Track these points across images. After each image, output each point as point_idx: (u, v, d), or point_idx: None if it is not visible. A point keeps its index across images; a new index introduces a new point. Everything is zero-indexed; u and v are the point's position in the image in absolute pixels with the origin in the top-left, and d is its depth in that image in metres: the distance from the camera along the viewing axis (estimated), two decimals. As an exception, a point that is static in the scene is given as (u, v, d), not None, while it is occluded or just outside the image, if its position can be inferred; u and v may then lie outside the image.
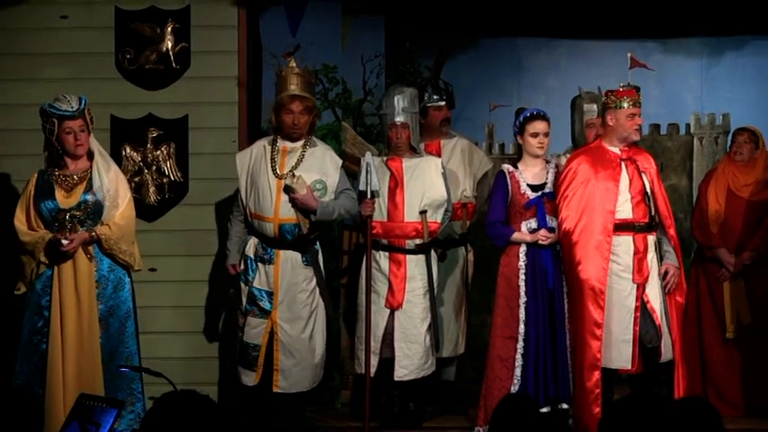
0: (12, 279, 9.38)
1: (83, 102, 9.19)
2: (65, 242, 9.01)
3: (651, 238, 9.57)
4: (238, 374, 9.62)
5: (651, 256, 9.57)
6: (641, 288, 9.51)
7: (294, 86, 9.63)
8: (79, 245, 9.10)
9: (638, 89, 9.71)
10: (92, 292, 9.19)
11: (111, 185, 9.26)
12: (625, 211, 9.51)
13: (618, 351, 9.51)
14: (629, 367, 9.54)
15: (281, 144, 9.66)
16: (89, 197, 9.20)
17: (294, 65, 9.70)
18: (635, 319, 9.47)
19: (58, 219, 9.13)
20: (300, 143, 9.67)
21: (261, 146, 9.70)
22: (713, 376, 10.35)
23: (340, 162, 9.81)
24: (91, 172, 9.25)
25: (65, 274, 9.13)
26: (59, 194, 9.17)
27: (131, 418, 8.83)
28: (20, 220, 9.13)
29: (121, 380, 9.16)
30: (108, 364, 9.15)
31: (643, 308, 9.53)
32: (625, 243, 9.51)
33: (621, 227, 9.51)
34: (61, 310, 9.10)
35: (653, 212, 9.56)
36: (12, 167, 9.93)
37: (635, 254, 9.51)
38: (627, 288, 9.52)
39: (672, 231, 9.61)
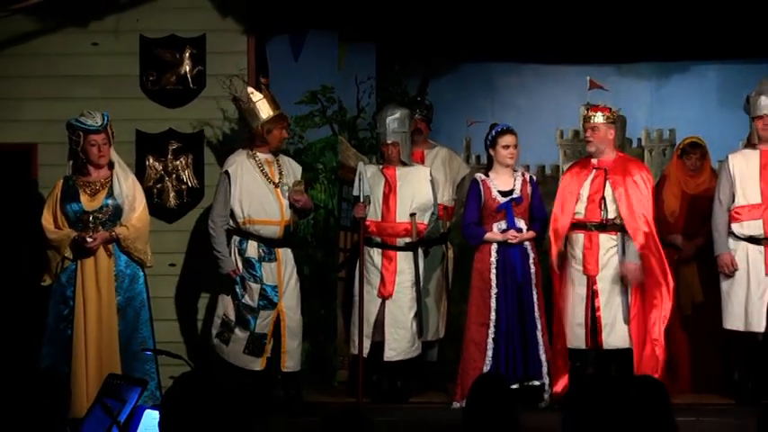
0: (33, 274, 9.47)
1: (106, 118, 9.28)
2: (89, 240, 9.10)
3: (604, 237, 9.66)
4: (241, 363, 9.53)
5: (604, 253, 9.65)
6: (592, 280, 9.63)
7: (276, 108, 9.71)
8: (101, 243, 9.18)
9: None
10: (111, 285, 9.26)
11: (130, 192, 9.37)
12: (581, 212, 9.67)
13: (573, 333, 9.71)
14: (584, 347, 9.66)
15: (263, 156, 9.65)
16: (110, 201, 9.31)
17: (265, 88, 9.77)
18: (585, 305, 9.60)
19: (82, 219, 9.21)
20: (274, 155, 9.71)
21: (242, 160, 9.65)
22: (671, 353, 10.26)
23: (300, 167, 9.93)
24: (111, 180, 9.33)
25: (87, 269, 9.22)
26: (84, 198, 9.26)
27: (146, 395, 8.76)
28: (47, 220, 9.19)
29: (137, 362, 9.23)
30: (126, 347, 9.23)
31: (593, 297, 9.64)
32: (579, 240, 9.70)
33: (577, 225, 9.71)
34: (84, 300, 9.16)
35: (610, 215, 9.61)
36: (49, 177, 9.77)
37: (585, 249, 9.64)
38: (579, 279, 9.69)
39: (639, 232, 9.61)
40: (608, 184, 9.64)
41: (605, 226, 9.64)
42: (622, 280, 9.63)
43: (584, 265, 9.67)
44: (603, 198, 9.64)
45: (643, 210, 9.64)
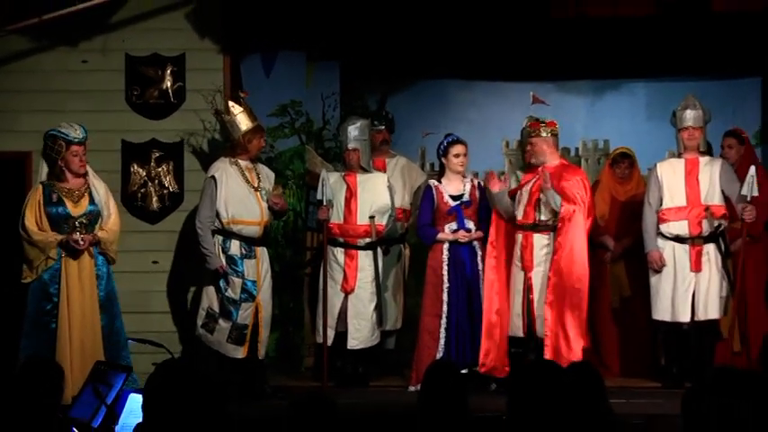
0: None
1: (86, 131, 9.25)
2: (81, 242, 9.06)
3: (537, 236, 9.72)
4: (225, 351, 9.52)
5: (538, 251, 9.71)
6: (528, 275, 9.68)
7: (255, 120, 9.78)
8: (89, 245, 9.15)
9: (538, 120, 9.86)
10: (93, 283, 9.26)
11: (104, 198, 9.38)
12: (519, 215, 9.73)
13: (514, 322, 9.76)
14: (522, 335, 9.71)
15: (244, 163, 9.68)
16: (92, 208, 9.29)
17: (244, 102, 9.80)
18: (522, 298, 9.67)
19: (68, 223, 9.17)
20: (252, 162, 9.74)
21: (225, 166, 9.65)
22: (599, 342, 10.30)
23: (273, 173, 9.98)
24: (89, 187, 9.31)
25: (71, 268, 9.20)
26: (69, 204, 9.20)
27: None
28: (31, 222, 9.12)
29: (117, 350, 9.24)
30: (109, 338, 9.24)
31: (528, 290, 9.69)
32: (518, 239, 9.77)
33: (518, 227, 9.78)
34: (68, 296, 9.14)
35: (542, 216, 9.71)
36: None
37: (522, 247, 9.73)
38: (518, 274, 9.76)
39: (570, 206, 9.66)
40: (549, 184, 9.65)
41: (538, 226, 9.70)
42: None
43: (522, 262, 9.72)
44: (538, 200, 9.70)
45: (578, 192, 9.67)
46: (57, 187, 9.20)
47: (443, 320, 9.66)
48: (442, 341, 9.63)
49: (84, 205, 9.25)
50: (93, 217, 9.28)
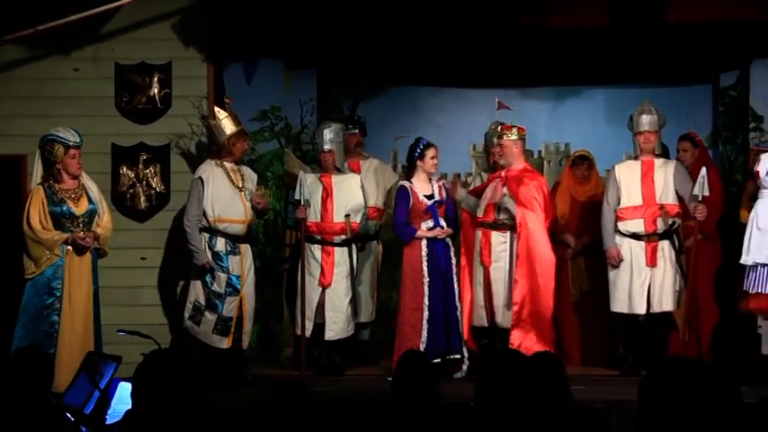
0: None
1: (81, 136, 9.21)
2: (88, 240, 9.06)
3: (495, 234, 9.78)
4: (211, 342, 9.53)
5: (495, 247, 9.78)
6: (488, 269, 9.75)
7: (239, 124, 9.79)
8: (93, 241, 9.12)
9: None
10: (90, 277, 9.24)
11: (98, 198, 9.35)
12: (480, 213, 9.84)
13: (478, 313, 9.82)
14: (486, 325, 9.78)
15: (229, 165, 9.67)
16: (92, 206, 9.26)
17: (229, 107, 9.82)
18: (483, 290, 9.75)
19: (72, 222, 9.12)
20: (236, 164, 9.74)
21: (212, 168, 9.64)
22: (560, 333, 10.32)
23: (255, 175, 9.99)
24: (84, 188, 9.27)
25: (73, 263, 9.16)
26: (71, 204, 9.15)
27: None
28: (36, 221, 9.03)
29: (100, 340, 9.29)
30: (97, 328, 9.27)
31: (488, 284, 9.75)
32: (479, 236, 9.84)
33: (478, 224, 9.87)
34: (70, 291, 9.10)
35: (501, 215, 9.79)
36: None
37: (482, 244, 9.80)
38: (478, 268, 9.83)
39: (524, 212, 9.74)
40: (505, 189, 9.74)
41: (496, 225, 9.76)
42: (510, 271, 9.74)
43: (481, 257, 9.77)
44: (497, 202, 9.75)
45: (531, 196, 9.72)
46: (56, 188, 9.14)
47: (425, 313, 9.63)
48: (424, 333, 9.60)
49: (85, 205, 9.22)
50: (92, 215, 9.26)
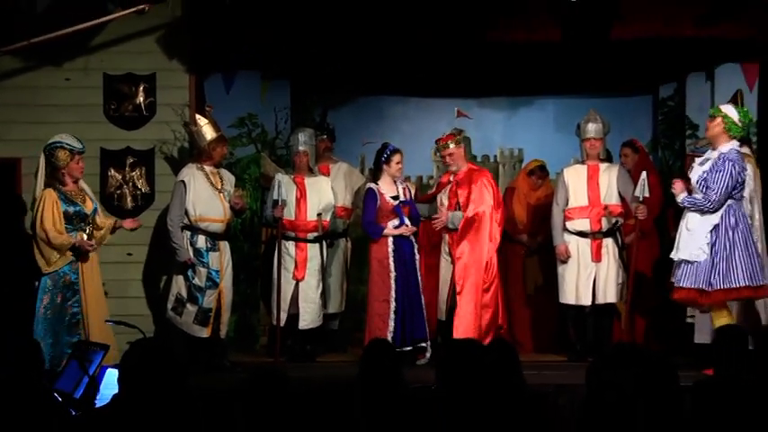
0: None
1: (83, 142, 9.16)
2: (90, 248, 9.05)
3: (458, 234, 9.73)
4: (192, 331, 9.49)
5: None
6: (453, 265, 9.72)
7: (218, 130, 9.75)
8: (100, 242, 9.20)
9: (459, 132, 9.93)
10: (98, 270, 9.23)
11: (94, 197, 9.32)
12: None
13: (440, 307, 9.83)
14: (444, 318, 9.75)
15: (209, 168, 9.63)
16: (95, 205, 9.26)
17: (209, 115, 9.78)
18: (448, 285, 9.71)
19: (83, 220, 9.08)
20: (216, 168, 9.71)
21: (193, 171, 9.60)
22: (514, 323, 10.35)
23: (233, 177, 9.95)
24: (84, 189, 9.22)
25: (86, 259, 9.09)
26: (80, 204, 9.10)
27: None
28: (49, 223, 8.89)
29: None
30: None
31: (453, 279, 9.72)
32: (445, 237, 9.86)
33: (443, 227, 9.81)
34: (85, 284, 9.05)
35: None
36: (30, 184, 9.60)
37: (448, 244, 9.81)
38: (445, 265, 9.82)
39: (474, 214, 9.76)
40: (458, 193, 9.77)
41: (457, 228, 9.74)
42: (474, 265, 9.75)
43: (450, 256, 9.76)
44: (457, 204, 9.76)
45: (482, 197, 9.74)
46: (63, 191, 9.05)
47: (392, 305, 9.62)
48: (391, 323, 9.59)
49: (90, 204, 9.18)
50: (95, 213, 9.23)
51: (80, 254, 8.99)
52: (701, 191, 8.68)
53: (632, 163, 10.43)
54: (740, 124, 8.73)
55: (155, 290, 10.28)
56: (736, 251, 8.60)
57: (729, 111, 8.78)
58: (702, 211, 8.68)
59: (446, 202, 9.80)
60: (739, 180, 8.67)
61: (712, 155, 8.80)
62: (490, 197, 9.74)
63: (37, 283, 9.00)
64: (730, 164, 8.63)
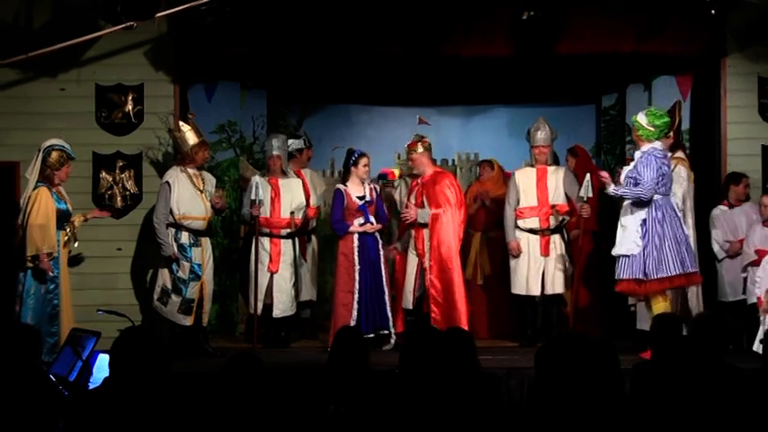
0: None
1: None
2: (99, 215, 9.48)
3: (425, 231, 9.75)
4: (177, 320, 9.46)
5: (426, 241, 9.75)
6: (422, 260, 9.73)
7: (200, 136, 9.71)
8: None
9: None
10: (67, 266, 9.23)
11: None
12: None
13: (406, 297, 9.81)
14: (411, 307, 9.77)
15: (192, 171, 9.60)
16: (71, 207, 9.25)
17: (192, 121, 9.76)
18: (414, 278, 9.75)
19: (66, 218, 9.11)
20: (198, 170, 9.67)
21: (177, 173, 9.57)
22: (471, 311, 10.36)
23: (214, 179, 9.92)
24: (63, 192, 9.21)
25: (63, 255, 9.12)
26: (67, 204, 9.16)
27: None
28: (45, 218, 8.93)
29: None
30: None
31: (422, 272, 9.73)
32: (412, 233, 9.85)
33: (411, 224, 9.82)
34: (62, 278, 9.05)
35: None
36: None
37: (415, 239, 9.81)
38: (412, 259, 9.81)
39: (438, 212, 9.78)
40: (425, 194, 9.78)
41: (426, 224, 9.73)
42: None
43: (416, 250, 9.75)
44: (423, 204, 9.75)
45: (445, 196, 9.76)
46: (53, 190, 9.04)
47: (356, 296, 9.59)
48: (354, 312, 9.55)
49: (70, 205, 9.20)
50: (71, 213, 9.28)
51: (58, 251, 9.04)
52: (629, 187, 8.77)
53: (573, 166, 10.47)
54: (651, 128, 8.82)
55: (142, 282, 10.23)
56: (666, 243, 8.68)
57: (640, 118, 8.90)
58: (637, 201, 8.76)
59: (414, 201, 9.81)
60: (664, 171, 8.75)
61: (636, 156, 8.92)
62: (453, 197, 9.78)
63: (22, 275, 8.96)
64: (653, 158, 8.73)
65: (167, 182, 9.52)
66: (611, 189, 8.84)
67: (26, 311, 8.91)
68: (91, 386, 6.35)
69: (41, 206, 8.91)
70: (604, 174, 9.05)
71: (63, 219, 9.08)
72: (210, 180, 9.79)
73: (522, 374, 7.81)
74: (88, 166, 10.19)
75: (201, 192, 9.59)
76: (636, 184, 8.70)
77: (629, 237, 8.75)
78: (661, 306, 8.71)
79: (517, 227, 9.89)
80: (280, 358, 8.92)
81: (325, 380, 5.93)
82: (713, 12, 9.59)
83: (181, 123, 9.71)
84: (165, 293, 9.49)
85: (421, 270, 9.74)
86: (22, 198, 9.09)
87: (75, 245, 9.34)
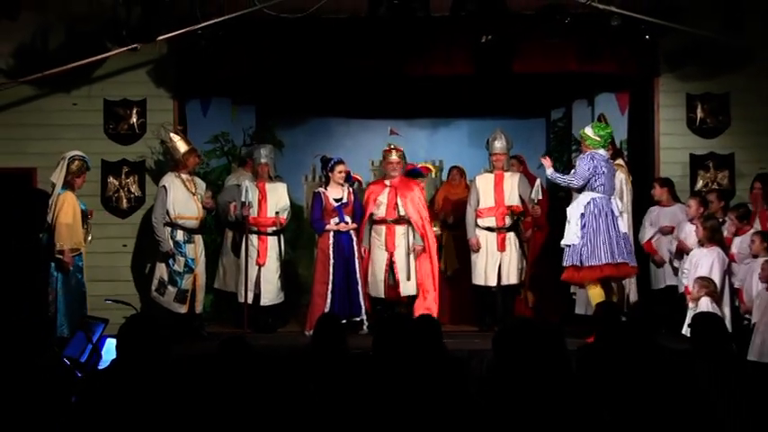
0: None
1: None
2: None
3: (398, 228, 9.76)
4: (173, 308, 9.42)
5: (398, 237, 9.75)
6: (391, 254, 9.72)
7: (189, 144, 9.67)
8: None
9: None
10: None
11: None
12: (379, 212, 9.79)
13: (378, 287, 9.78)
14: (383, 296, 9.72)
15: (185, 176, 9.56)
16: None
17: (181, 132, 9.77)
18: (385, 269, 9.72)
19: (85, 217, 9.18)
20: (190, 175, 9.63)
21: (172, 178, 9.55)
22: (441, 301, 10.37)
23: (204, 183, 9.87)
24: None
25: (84, 249, 9.14)
26: (84, 204, 9.21)
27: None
28: (71, 218, 8.98)
29: None
30: None
31: (391, 265, 9.72)
32: (383, 230, 9.78)
33: (379, 222, 9.79)
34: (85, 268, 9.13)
35: (401, 213, 9.74)
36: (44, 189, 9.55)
37: (386, 235, 9.74)
38: (381, 253, 9.77)
39: (419, 224, 9.76)
40: (398, 195, 9.77)
41: (398, 220, 9.74)
42: (409, 252, 9.73)
43: (386, 245, 9.74)
44: (397, 204, 9.74)
45: (420, 209, 9.78)
46: (74, 194, 9.11)
47: (330, 286, 9.59)
48: (328, 300, 9.56)
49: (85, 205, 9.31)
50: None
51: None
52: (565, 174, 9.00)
53: (526, 171, 10.53)
54: (597, 138, 8.98)
55: (142, 274, 10.20)
56: (600, 235, 8.78)
57: (587, 130, 9.06)
58: (567, 186, 9.01)
59: (385, 201, 9.79)
60: (600, 171, 8.86)
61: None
62: (422, 201, 9.83)
63: (54, 265, 8.95)
64: (591, 156, 8.89)
65: (164, 186, 9.49)
66: (550, 172, 9.00)
67: (60, 299, 8.91)
68: (100, 367, 6.33)
69: (69, 208, 8.94)
70: (548, 160, 9.16)
71: (83, 218, 9.15)
72: (201, 184, 9.77)
73: (482, 356, 7.82)
74: (97, 172, 10.13)
75: (194, 194, 9.57)
76: (573, 174, 8.86)
77: (571, 229, 8.87)
78: (595, 292, 8.80)
79: (477, 225, 9.90)
80: (268, 342, 8.90)
81: (308, 360, 5.92)
82: (647, 37, 9.70)
83: (171, 135, 9.70)
84: (162, 285, 9.45)
85: (390, 264, 9.74)
86: (51, 200, 9.07)
87: (89, 238, 9.31)
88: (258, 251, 9.87)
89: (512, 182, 9.91)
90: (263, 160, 9.99)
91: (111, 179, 10.34)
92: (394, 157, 9.85)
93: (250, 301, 9.75)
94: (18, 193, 9.97)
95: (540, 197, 9.50)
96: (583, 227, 8.80)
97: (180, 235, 9.45)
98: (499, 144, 9.89)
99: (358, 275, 9.67)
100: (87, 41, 10.02)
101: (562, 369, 4.78)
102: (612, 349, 5.61)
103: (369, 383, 5.17)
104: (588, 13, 9.44)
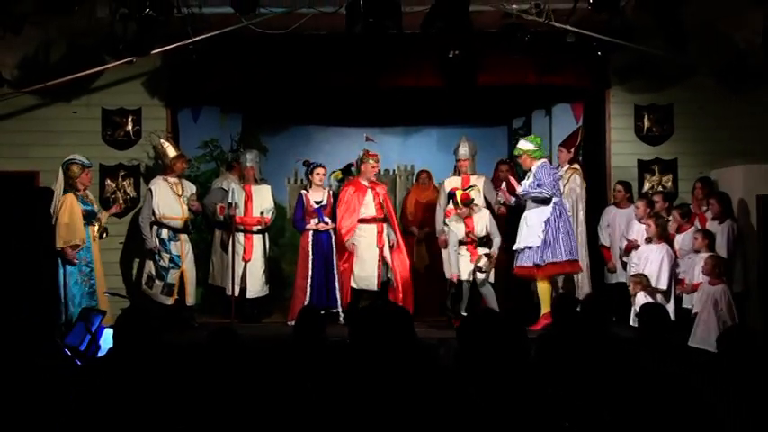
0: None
1: (90, 161, 9.26)
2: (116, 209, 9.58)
3: (385, 225, 9.82)
4: (161, 300, 9.40)
5: (384, 236, 9.78)
6: (381, 250, 9.74)
7: (178, 149, 9.72)
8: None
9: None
10: (98, 251, 9.23)
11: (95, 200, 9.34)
12: (368, 212, 9.75)
13: (367, 280, 9.76)
14: (376, 289, 9.74)
15: (172, 179, 9.55)
16: (98, 207, 9.39)
17: (171, 139, 9.80)
18: (377, 265, 9.71)
19: (93, 217, 9.15)
20: (178, 178, 9.60)
21: (160, 181, 9.53)
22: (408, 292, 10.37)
23: (193, 186, 9.82)
24: (89, 195, 9.30)
25: (93, 245, 9.13)
26: (93, 205, 9.24)
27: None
28: (68, 218, 8.95)
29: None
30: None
31: (384, 260, 9.76)
32: (370, 228, 9.75)
33: (368, 220, 9.76)
34: (95, 262, 9.12)
35: (384, 213, 9.80)
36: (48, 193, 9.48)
37: (377, 232, 9.76)
38: (372, 250, 9.76)
39: (395, 223, 9.92)
40: (379, 195, 9.80)
41: (384, 219, 9.78)
42: (391, 249, 9.79)
43: (377, 241, 9.75)
44: (381, 204, 9.78)
45: (391, 208, 9.96)
46: (78, 195, 9.08)
47: (309, 281, 9.60)
48: (308, 293, 9.57)
49: (97, 206, 9.33)
50: (98, 212, 9.35)
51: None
52: (534, 188, 8.92)
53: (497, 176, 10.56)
54: (536, 147, 9.14)
55: (133, 269, 10.22)
56: (560, 235, 8.85)
57: (524, 145, 9.18)
58: (542, 199, 8.92)
59: (373, 202, 9.80)
60: (557, 177, 9.05)
61: (529, 174, 9.12)
62: (389, 200, 9.93)
63: (60, 261, 8.94)
64: (546, 168, 8.98)
65: (150, 188, 9.51)
66: (520, 190, 8.98)
67: (69, 291, 8.92)
68: (98, 355, 6.31)
69: (67, 209, 8.93)
70: (512, 180, 9.19)
71: (90, 217, 9.11)
72: (190, 187, 9.73)
73: (449, 343, 7.83)
74: (96, 175, 10.11)
75: (180, 196, 9.55)
76: (539, 186, 8.85)
77: (533, 231, 8.89)
78: (544, 287, 8.93)
79: (445, 224, 9.92)
80: (253, 331, 8.89)
81: (290, 347, 5.92)
82: (599, 53, 9.77)
83: (161, 141, 9.69)
84: (150, 279, 9.45)
85: (383, 258, 9.76)
86: (53, 205, 9.05)
87: (105, 236, 9.33)
88: (244, 248, 9.87)
89: (478, 184, 9.93)
90: (249, 164, 10.00)
91: (108, 182, 10.33)
92: (374, 162, 9.90)
93: (237, 293, 9.76)
94: (18, 194, 9.91)
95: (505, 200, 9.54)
96: (547, 229, 8.84)
97: (165, 233, 9.44)
98: (464, 150, 9.92)
99: (335, 271, 9.68)
100: (86, 54, 9.98)
101: (522, 354, 4.82)
102: (569, 337, 5.65)
103: (346, 368, 5.19)
104: (546, 31, 9.49)
